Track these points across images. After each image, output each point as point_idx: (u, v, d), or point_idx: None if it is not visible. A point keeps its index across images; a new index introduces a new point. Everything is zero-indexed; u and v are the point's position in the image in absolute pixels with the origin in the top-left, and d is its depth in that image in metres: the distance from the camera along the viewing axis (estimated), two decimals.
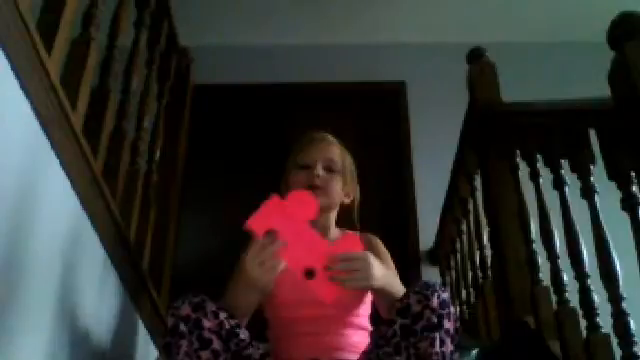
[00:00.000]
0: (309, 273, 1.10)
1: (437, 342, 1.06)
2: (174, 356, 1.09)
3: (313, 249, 1.11)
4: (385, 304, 1.21)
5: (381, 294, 1.20)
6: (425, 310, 1.08)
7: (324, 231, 1.42)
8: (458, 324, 1.12)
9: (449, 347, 1.08)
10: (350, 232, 1.49)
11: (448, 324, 1.09)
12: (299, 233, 1.11)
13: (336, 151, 1.49)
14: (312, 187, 1.40)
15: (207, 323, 1.10)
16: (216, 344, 1.10)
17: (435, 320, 1.07)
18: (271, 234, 1.09)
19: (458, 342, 1.11)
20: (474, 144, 2.14)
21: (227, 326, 1.12)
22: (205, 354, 1.08)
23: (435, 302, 1.09)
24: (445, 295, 1.11)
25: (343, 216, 1.53)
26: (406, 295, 1.12)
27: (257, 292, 1.17)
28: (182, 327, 1.09)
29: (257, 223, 1.10)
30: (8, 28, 0.97)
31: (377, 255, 1.42)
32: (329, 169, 1.45)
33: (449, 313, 1.10)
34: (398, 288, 1.21)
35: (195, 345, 1.08)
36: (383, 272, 1.17)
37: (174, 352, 1.09)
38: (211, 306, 1.12)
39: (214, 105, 3.52)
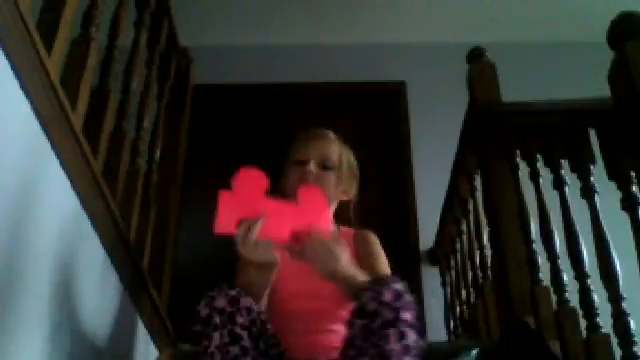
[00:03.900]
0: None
1: (397, 337, 1.04)
2: (204, 346, 1.09)
3: (283, 215, 1.15)
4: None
5: (341, 286, 1.20)
6: (380, 307, 1.06)
7: None
8: (416, 311, 1.09)
9: (411, 337, 1.06)
10: (345, 229, 1.49)
11: (406, 315, 1.07)
12: (264, 208, 1.14)
13: (332, 148, 1.48)
14: (305, 184, 1.40)
15: (240, 319, 1.10)
16: (246, 341, 1.09)
17: (391, 315, 1.06)
18: (245, 220, 1.12)
19: (421, 329, 1.09)
20: (474, 144, 2.15)
21: (259, 323, 1.13)
22: (234, 350, 1.08)
23: (388, 296, 1.07)
24: (398, 286, 1.09)
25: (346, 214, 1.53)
26: (360, 294, 1.11)
27: (269, 269, 1.19)
28: (216, 319, 1.09)
29: (223, 225, 1.12)
30: (8, 28, 0.97)
31: (365, 252, 1.43)
32: (324, 166, 1.44)
33: (406, 303, 1.08)
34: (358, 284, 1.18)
35: (225, 339, 1.08)
36: (344, 267, 1.17)
37: (204, 342, 1.09)
38: (245, 301, 1.12)
39: (214, 105, 3.52)
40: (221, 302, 1.11)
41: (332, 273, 1.16)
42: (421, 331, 1.09)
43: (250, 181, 1.16)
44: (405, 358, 1.05)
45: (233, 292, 1.12)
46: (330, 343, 1.28)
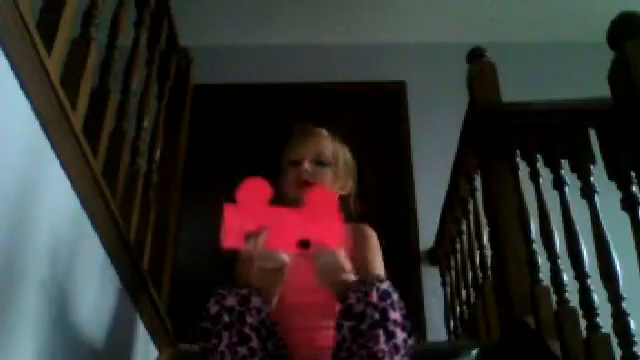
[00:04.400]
0: (304, 244, 1.12)
1: (386, 337, 1.04)
2: (213, 344, 1.08)
3: (290, 224, 1.13)
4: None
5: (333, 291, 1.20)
6: (367, 308, 1.06)
7: None
8: (405, 310, 1.10)
9: (400, 337, 1.06)
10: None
11: (394, 314, 1.07)
12: (270, 218, 1.13)
13: (325, 144, 1.49)
14: (302, 183, 1.40)
15: (250, 319, 1.10)
16: (254, 342, 1.09)
17: (378, 316, 1.06)
18: (251, 239, 1.11)
19: (410, 327, 1.09)
20: (474, 144, 2.15)
21: (268, 324, 1.12)
22: (242, 350, 1.08)
23: (375, 296, 1.07)
24: (385, 285, 1.09)
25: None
26: (347, 295, 1.11)
27: (280, 271, 1.18)
28: (226, 318, 1.09)
29: (231, 239, 1.10)
30: (8, 28, 0.97)
31: (361, 245, 1.42)
32: (319, 162, 1.45)
33: (393, 303, 1.07)
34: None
35: (234, 339, 1.08)
36: (336, 274, 1.17)
37: (213, 340, 1.09)
38: (256, 301, 1.12)
39: (214, 105, 3.52)
40: (231, 301, 1.10)
41: (330, 284, 1.18)
42: (410, 330, 1.09)
43: (254, 191, 1.15)
44: (395, 358, 1.05)
45: (244, 291, 1.12)
46: (329, 343, 1.28)
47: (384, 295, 1.08)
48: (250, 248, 1.11)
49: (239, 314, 1.09)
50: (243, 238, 1.11)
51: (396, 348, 1.05)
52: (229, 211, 1.11)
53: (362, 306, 1.07)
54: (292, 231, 1.13)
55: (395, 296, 1.09)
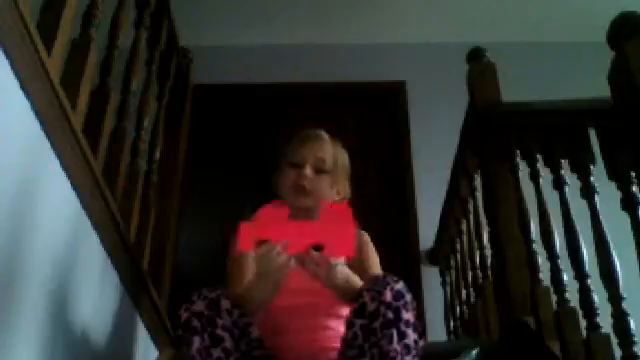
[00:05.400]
0: (316, 249, 1.14)
1: (397, 337, 1.05)
2: (186, 350, 1.10)
3: (304, 233, 1.16)
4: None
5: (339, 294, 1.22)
6: (380, 307, 1.07)
7: None
8: (416, 312, 1.11)
9: (412, 337, 1.07)
10: None
11: (407, 315, 1.08)
12: (286, 229, 1.15)
13: (328, 150, 1.48)
14: (299, 188, 1.40)
15: (220, 321, 1.10)
16: (227, 343, 1.10)
17: (391, 315, 1.06)
18: (264, 244, 1.13)
19: (423, 329, 1.10)
20: (474, 144, 2.14)
21: (240, 325, 1.13)
22: (216, 352, 1.09)
23: (388, 296, 1.08)
24: (399, 285, 1.10)
25: None
26: (360, 294, 1.12)
27: (273, 286, 1.19)
28: (195, 323, 1.10)
29: (243, 245, 1.14)
30: (8, 28, 0.97)
31: (361, 251, 1.42)
32: (319, 169, 1.45)
33: (406, 303, 1.08)
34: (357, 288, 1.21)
35: (206, 342, 1.09)
36: (344, 276, 1.19)
37: (186, 346, 1.10)
38: (226, 304, 1.12)
39: (214, 105, 3.52)
40: (199, 306, 1.11)
41: (333, 286, 1.19)
42: (421, 331, 1.10)
43: (270, 212, 1.18)
44: (406, 358, 1.05)
45: (212, 295, 1.13)
46: (329, 343, 1.28)
47: (398, 295, 1.09)
48: (263, 250, 1.12)
49: (209, 318, 1.10)
50: (255, 243, 1.13)
51: (407, 348, 1.06)
52: (243, 227, 1.14)
53: (375, 305, 1.08)
54: (306, 239, 1.15)
55: (408, 297, 1.10)
